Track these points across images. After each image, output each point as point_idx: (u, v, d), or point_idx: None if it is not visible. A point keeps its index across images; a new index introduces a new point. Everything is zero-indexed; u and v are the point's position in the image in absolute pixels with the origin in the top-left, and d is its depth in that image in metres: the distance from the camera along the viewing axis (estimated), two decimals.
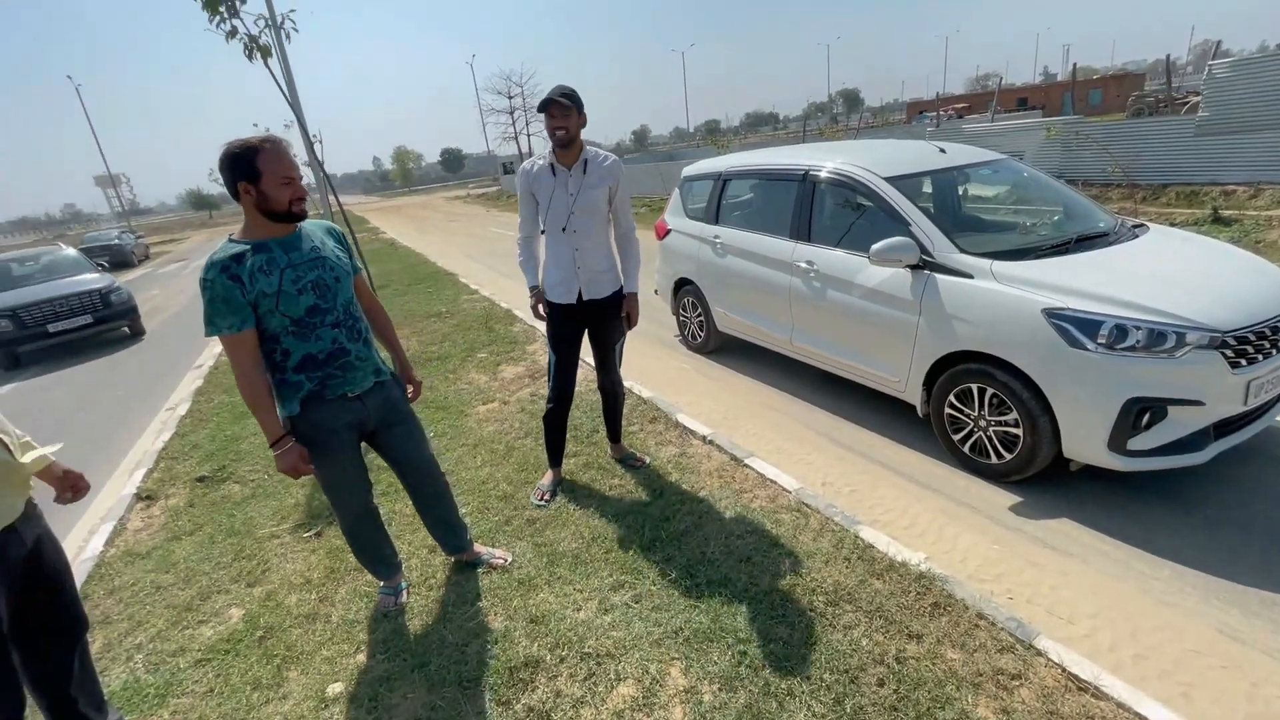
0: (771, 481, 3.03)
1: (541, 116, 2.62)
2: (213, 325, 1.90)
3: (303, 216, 2.00)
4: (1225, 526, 2.64)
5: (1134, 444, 2.65)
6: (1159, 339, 2.57)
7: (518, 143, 48.55)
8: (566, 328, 2.95)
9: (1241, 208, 8.17)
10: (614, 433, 3.41)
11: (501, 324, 6.49)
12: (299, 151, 6.17)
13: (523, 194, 2.87)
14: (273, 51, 6.77)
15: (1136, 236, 3.35)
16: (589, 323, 2.97)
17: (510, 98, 47.13)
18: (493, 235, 16.52)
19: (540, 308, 2.95)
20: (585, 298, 2.87)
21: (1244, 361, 2.60)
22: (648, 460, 3.37)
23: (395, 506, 3.17)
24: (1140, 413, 2.61)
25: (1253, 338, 2.61)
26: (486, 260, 12.03)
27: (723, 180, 4.90)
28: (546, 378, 3.11)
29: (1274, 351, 2.67)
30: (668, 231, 5.45)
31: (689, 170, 5.45)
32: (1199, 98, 10.45)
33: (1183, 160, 9.56)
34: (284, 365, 2.02)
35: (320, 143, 12.70)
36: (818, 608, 2.24)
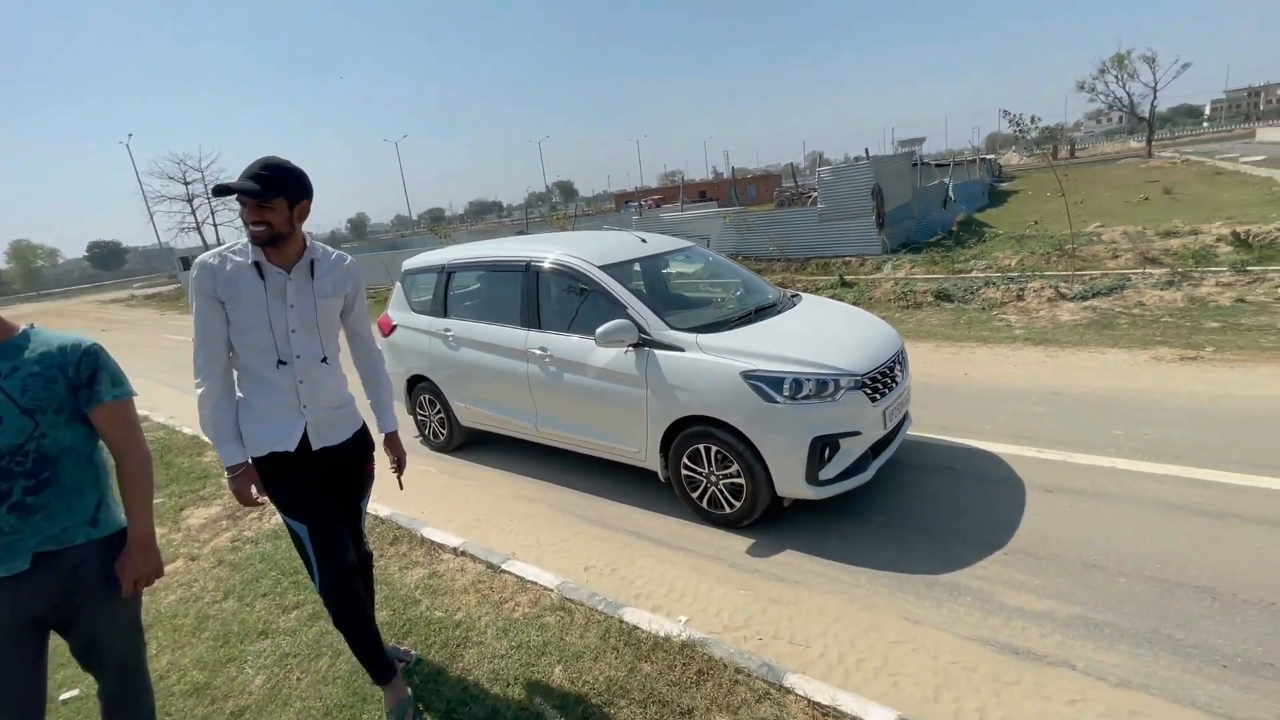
0: (532, 583, 2.89)
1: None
2: None
3: None
4: (894, 527, 3.30)
5: (823, 475, 3.19)
6: (823, 386, 3.17)
7: (200, 234, 41.75)
8: (299, 475, 2.06)
9: (856, 273, 10.91)
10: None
11: (185, 456, 5.24)
12: None
13: (204, 308, 1.92)
14: None
15: (795, 305, 4.16)
16: (323, 473, 2.13)
17: (188, 183, 40.70)
18: (170, 344, 13.56)
19: (254, 489, 1.99)
20: (316, 446, 2.08)
21: (878, 396, 3.35)
22: (413, 657, 2.51)
23: None
24: (823, 448, 3.16)
25: (880, 376, 3.40)
26: (162, 375, 9.74)
27: (447, 273, 4.80)
28: (307, 568, 2.12)
29: (894, 384, 3.51)
30: (393, 327, 5.11)
31: (409, 263, 5.23)
32: (817, 193, 13.86)
33: (815, 240, 12.47)
34: None
35: None
36: (594, 712, 2.14)
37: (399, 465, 2.37)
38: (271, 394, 2.01)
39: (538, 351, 4.00)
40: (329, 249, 2.12)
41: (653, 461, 3.62)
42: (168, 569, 3.43)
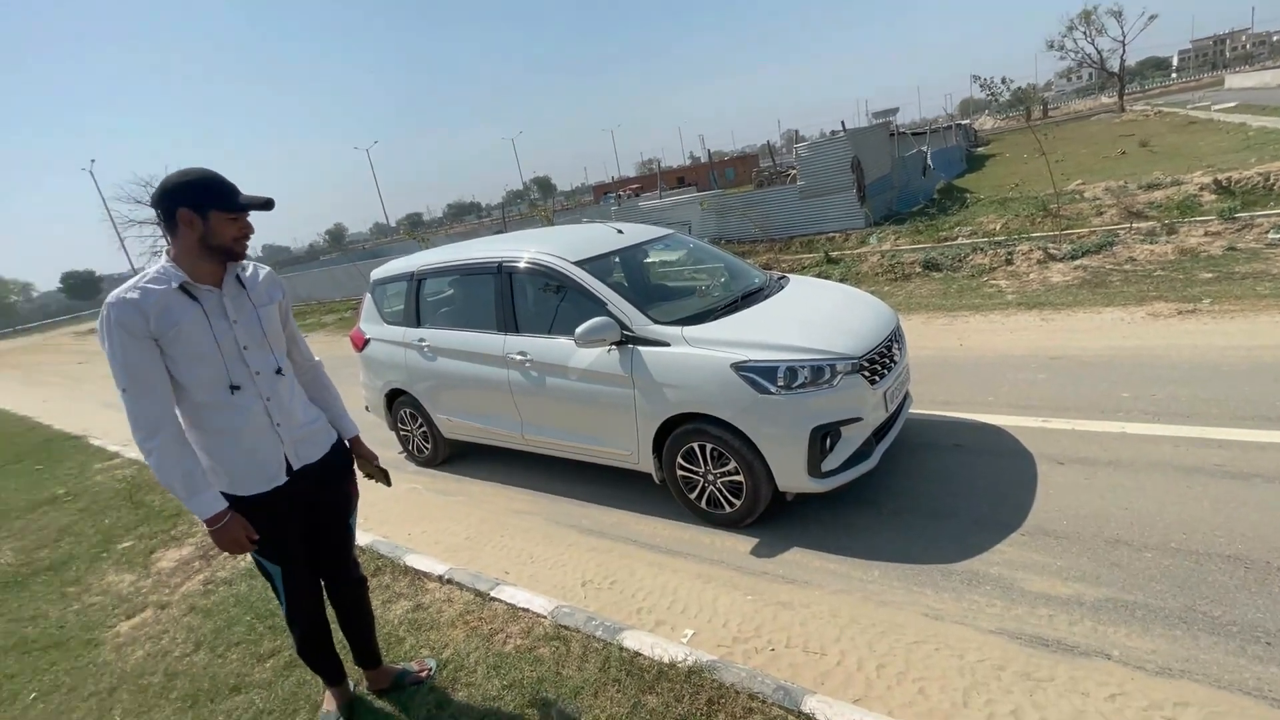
0: (524, 610, 2.69)
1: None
2: None
3: None
4: (904, 515, 3.13)
5: (825, 465, 3.01)
6: (819, 373, 2.98)
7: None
8: (282, 521, 1.95)
9: (841, 249, 10.73)
10: (370, 654, 2.37)
11: (156, 493, 4.97)
12: None
13: (135, 353, 1.70)
14: None
15: (783, 287, 3.96)
16: (306, 498, 2.01)
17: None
18: None
19: (244, 532, 1.83)
20: (297, 466, 1.97)
21: (877, 378, 3.17)
22: (433, 666, 2.46)
23: None
24: (824, 438, 2.98)
25: (877, 357, 3.22)
26: None
27: (417, 280, 4.56)
28: (277, 597, 2.09)
29: (893, 364, 3.34)
30: (366, 341, 4.87)
31: (378, 273, 4.99)
32: (796, 171, 13.65)
33: (797, 218, 12.26)
34: None
35: None
36: None
37: (377, 464, 2.27)
38: (241, 421, 1.86)
39: (517, 356, 3.79)
40: (244, 261, 1.93)
41: (646, 464, 3.43)
42: (136, 619, 3.21)
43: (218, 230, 1.76)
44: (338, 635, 2.30)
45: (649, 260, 4.72)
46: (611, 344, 3.32)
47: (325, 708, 2.28)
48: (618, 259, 4.14)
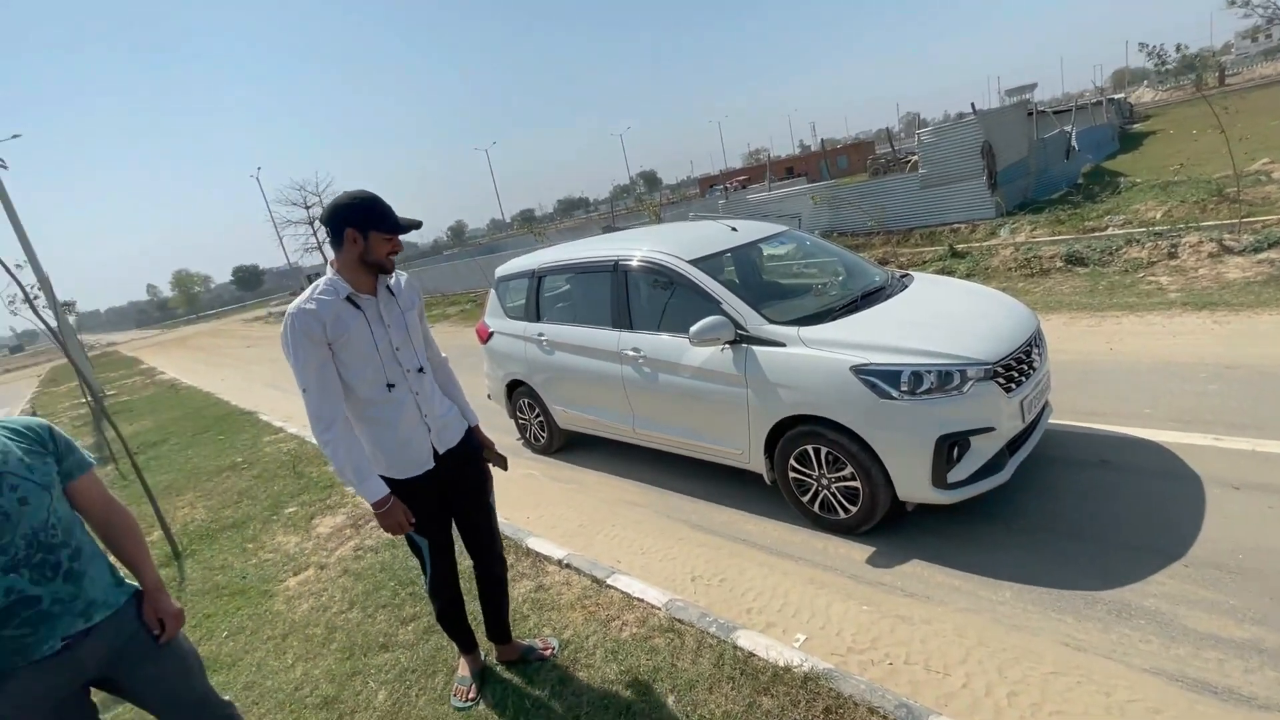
0: (639, 600, 2.79)
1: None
2: None
3: None
4: (1039, 533, 2.90)
5: (952, 477, 2.85)
6: (947, 379, 2.83)
7: (322, 252, 45.78)
8: (430, 501, 2.19)
9: (967, 241, 9.97)
10: (502, 629, 2.54)
11: (313, 465, 5.65)
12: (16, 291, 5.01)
13: (316, 357, 1.95)
14: None
15: (906, 287, 3.78)
16: (449, 480, 2.24)
17: (308, 208, 44.58)
18: None
19: (403, 514, 2.06)
20: (442, 450, 2.20)
21: (1014, 385, 2.95)
22: (555, 645, 2.61)
23: None
24: (950, 447, 2.82)
25: (1014, 364, 2.99)
26: (293, 386, 10.62)
27: (537, 277, 4.81)
28: (421, 569, 2.32)
29: (1031, 371, 3.09)
30: (491, 334, 5.21)
31: (502, 270, 5.31)
32: (916, 158, 12.84)
33: (917, 208, 11.54)
34: None
35: (48, 286, 10.74)
36: None
37: (494, 449, 2.45)
38: (396, 415, 2.10)
39: (631, 352, 3.90)
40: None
41: (757, 464, 3.42)
42: (301, 576, 3.68)
43: (375, 248, 1.98)
44: (471, 611, 2.52)
45: (763, 258, 4.67)
46: (725, 343, 3.34)
47: (460, 673, 2.51)
48: (731, 257, 4.14)
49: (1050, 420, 3.49)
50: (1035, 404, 3.12)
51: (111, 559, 1.73)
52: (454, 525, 2.35)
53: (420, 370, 2.18)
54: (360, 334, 2.00)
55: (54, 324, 7.48)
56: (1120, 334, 5.13)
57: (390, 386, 2.08)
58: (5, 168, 5.63)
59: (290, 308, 1.97)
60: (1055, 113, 20.43)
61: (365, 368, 2.03)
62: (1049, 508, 3.06)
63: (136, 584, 1.74)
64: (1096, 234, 8.53)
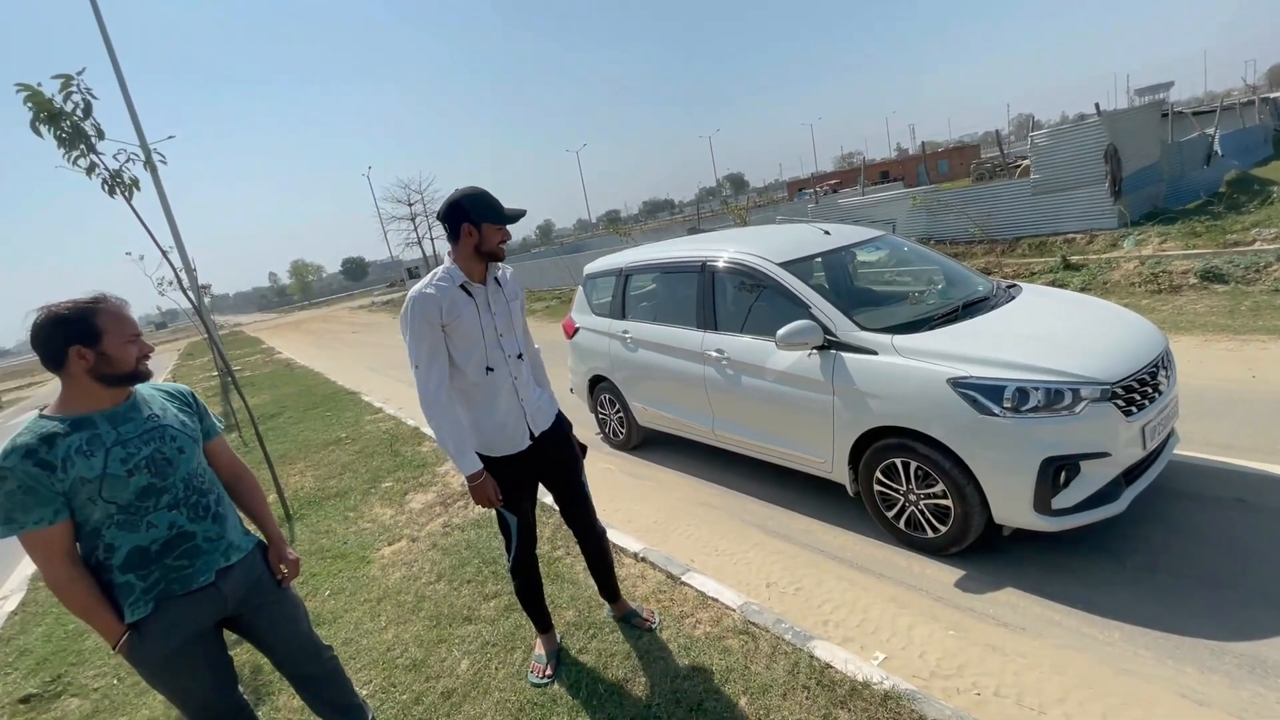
0: (713, 600, 2.79)
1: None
2: (12, 522, 1.55)
3: (148, 376, 1.74)
4: (1157, 573, 2.65)
5: (1057, 503, 2.66)
6: (1058, 397, 2.64)
7: (421, 247, 48.57)
8: (521, 479, 2.35)
9: (1083, 253, 9.20)
10: (612, 589, 2.75)
11: (408, 445, 6.02)
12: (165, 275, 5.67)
13: (431, 336, 2.10)
14: (139, 185, 6.35)
15: (1013, 298, 3.55)
16: (542, 461, 2.39)
17: (410, 204, 47.47)
18: (396, 343, 15.85)
19: (493, 491, 2.21)
20: (536, 433, 2.34)
21: (1134, 409, 2.71)
22: (656, 620, 2.72)
23: (280, 700, 2.65)
24: (1057, 471, 2.63)
25: (1136, 385, 2.75)
26: (391, 371, 11.47)
27: (624, 275, 4.90)
28: (506, 547, 2.45)
29: (1156, 395, 2.83)
30: (576, 329, 5.36)
31: (590, 267, 5.44)
32: (1028, 162, 11.98)
33: (1027, 216, 10.76)
34: (108, 564, 1.64)
35: (194, 270, 12.01)
36: None
37: (581, 446, 2.59)
38: (499, 397, 2.25)
39: (714, 354, 3.89)
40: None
41: (840, 474, 3.33)
42: (395, 546, 3.94)
43: (488, 239, 2.16)
44: (553, 590, 2.61)
45: (856, 263, 4.53)
46: (813, 348, 3.27)
47: (537, 651, 2.61)
48: (822, 260, 4.04)
49: (1177, 451, 3.17)
50: (1159, 431, 2.85)
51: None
52: (544, 504, 2.47)
53: (519, 356, 2.32)
54: (470, 319, 2.16)
55: (197, 304, 8.40)
56: (1266, 360, 4.58)
57: (490, 370, 2.22)
58: (164, 163, 6.38)
59: (412, 291, 2.14)
60: (1195, 114, 18.44)
61: (472, 351, 2.18)
62: (1172, 546, 2.79)
63: (257, 536, 1.95)
64: (1240, 248, 7.63)
